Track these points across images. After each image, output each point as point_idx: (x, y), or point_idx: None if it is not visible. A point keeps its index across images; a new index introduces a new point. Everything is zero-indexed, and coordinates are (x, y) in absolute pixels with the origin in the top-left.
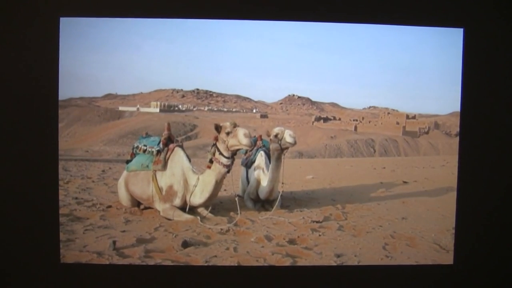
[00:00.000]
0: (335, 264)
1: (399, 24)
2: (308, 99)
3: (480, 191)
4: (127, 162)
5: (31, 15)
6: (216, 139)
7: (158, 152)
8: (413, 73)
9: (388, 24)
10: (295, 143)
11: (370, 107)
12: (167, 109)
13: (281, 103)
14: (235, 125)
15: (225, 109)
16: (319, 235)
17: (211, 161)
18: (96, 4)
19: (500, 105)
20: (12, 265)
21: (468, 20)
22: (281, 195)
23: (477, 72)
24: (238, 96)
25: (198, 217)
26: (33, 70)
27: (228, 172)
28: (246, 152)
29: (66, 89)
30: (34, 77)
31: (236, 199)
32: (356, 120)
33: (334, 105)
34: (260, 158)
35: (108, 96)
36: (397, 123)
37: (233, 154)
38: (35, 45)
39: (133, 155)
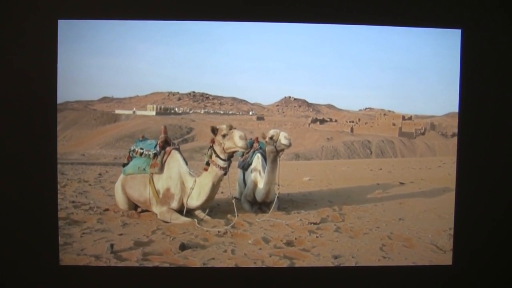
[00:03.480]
0: (332, 265)
1: (396, 25)
2: (304, 101)
3: (479, 191)
4: (124, 165)
5: (30, 17)
6: (213, 141)
7: (155, 155)
8: (410, 74)
9: (385, 25)
10: (290, 145)
11: (366, 108)
12: (163, 112)
13: (277, 105)
14: (231, 128)
15: (221, 112)
16: (317, 237)
17: (208, 164)
18: (94, 6)
19: (498, 106)
20: (11, 268)
21: (466, 21)
22: (277, 197)
23: (475, 73)
24: (234, 99)
25: (196, 220)
26: (31, 72)
27: (225, 174)
28: (243, 154)
29: (63, 93)
30: (32, 79)
31: (233, 201)
32: (352, 122)
33: (330, 106)
34: (257, 161)
35: (104, 100)
36: (393, 124)
37: (230, 156)
38: (33, 47)
39: (130, 158)
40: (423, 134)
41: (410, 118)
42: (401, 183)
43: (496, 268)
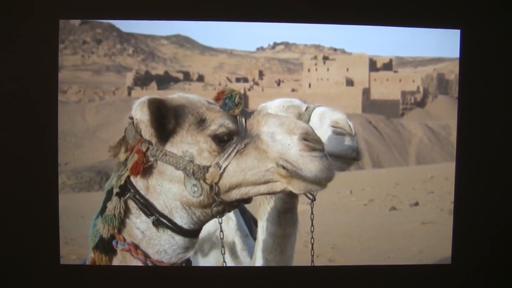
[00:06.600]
0: (332, 265)
1: (394, 25)
2: None
3: (479, 190)
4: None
5: (30, 17)
6: None
7: None
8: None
9: (383, 25)
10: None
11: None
12: None
13: None
14: None
15: None
16: None
17: None
18: (95, 6)
19: (499, 107)
20: (10, 267)
21: (465, 21)
22: None
23: (475, 74)
24: None
25: None
26: (32, 73)
27: None
28: None
29: None
30: (33, 79)
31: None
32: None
33: None
34: None
35: None
36: (350, 81)
37: None
38: (34, 47)
39: None
40: (420, 102)
41: (390, 62)
42: None
43: (496, 267)
